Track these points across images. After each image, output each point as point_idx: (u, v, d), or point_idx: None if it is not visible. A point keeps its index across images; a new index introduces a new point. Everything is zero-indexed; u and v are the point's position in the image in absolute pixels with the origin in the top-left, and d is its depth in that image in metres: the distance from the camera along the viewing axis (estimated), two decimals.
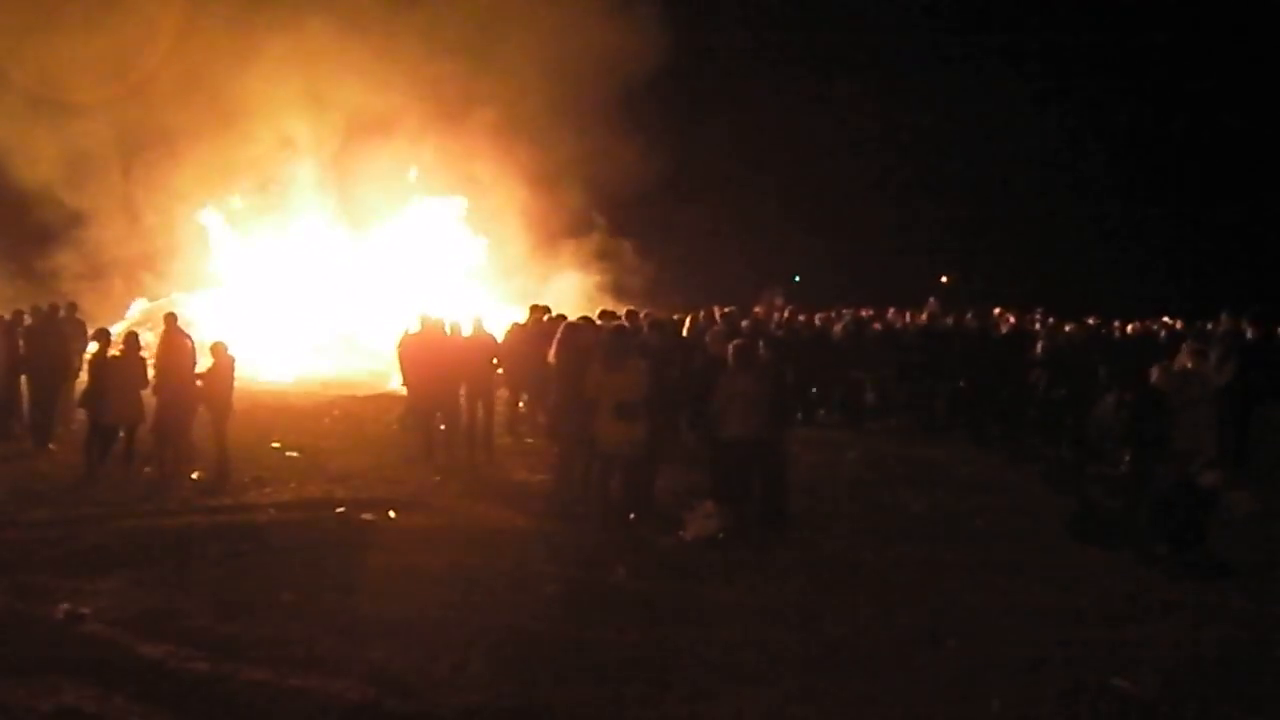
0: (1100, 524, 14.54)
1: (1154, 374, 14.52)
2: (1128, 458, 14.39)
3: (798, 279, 57.15)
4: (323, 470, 17.74)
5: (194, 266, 39.33)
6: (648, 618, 10.58)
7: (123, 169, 37.62)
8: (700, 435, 14.85)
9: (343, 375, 31.15)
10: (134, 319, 34.66)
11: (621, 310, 21.66)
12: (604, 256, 39.23)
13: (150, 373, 17.45)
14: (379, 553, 12.70)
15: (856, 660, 9.57)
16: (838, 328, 24.94)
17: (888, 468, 18.38)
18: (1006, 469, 18.85)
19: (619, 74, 37.13)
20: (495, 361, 19.68)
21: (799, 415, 20.13)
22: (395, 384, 22.81)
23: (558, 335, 15.84)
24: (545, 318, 20.59)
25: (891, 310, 29.72)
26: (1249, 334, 19.66)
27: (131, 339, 17.86)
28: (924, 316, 26.13)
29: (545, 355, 16.05)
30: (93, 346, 18.80)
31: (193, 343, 18.09)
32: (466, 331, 19.47)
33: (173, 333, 18.04)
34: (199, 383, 17.18)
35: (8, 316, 21.40)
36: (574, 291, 36.09)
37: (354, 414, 23.89)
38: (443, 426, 18.91)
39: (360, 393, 27.09)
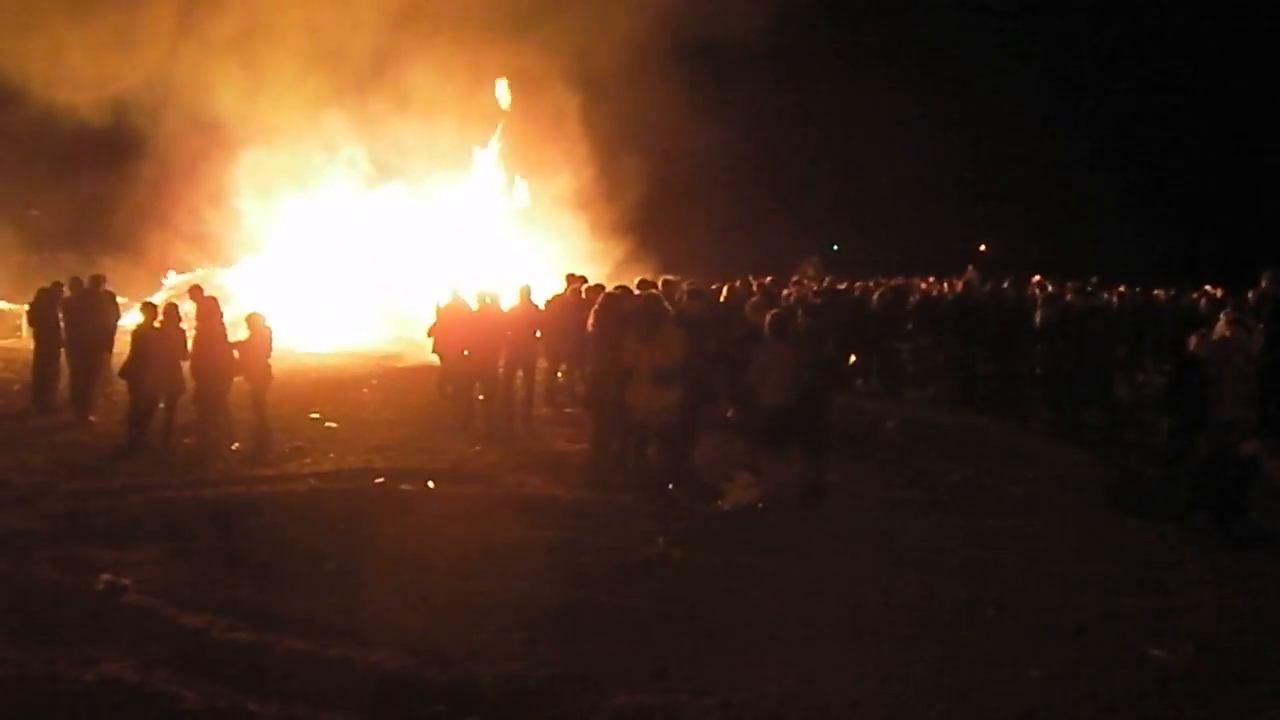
0: (1140, 494, 14.51)
1: (1192, 342, 14.40)
2: (1166, 427, 14.32)
3: (836, 248, 57.02)
4: (362, 441, 17.77)
5: (231, 238, 39.43)
6: (687, 587, 10.58)
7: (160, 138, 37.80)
8: (738, 405, 14.82)
9: (382, 345, 31.15)
10: (172, 290, 34.74)
11: (659, 280, 21.61)
12: (645, 225, 39.24)
13: (189, 344, 17.47)
14: (418, 523, 12.73)
15: (895, 630, 9.55)
16: (875, 296, 24.88)
17: (926, 437, 18.32)
18: (1045, 438, 18.77)
19: (664, 44, 37.15)
20: (537, 332, 19.68)
21: (837, 384, 20.03)
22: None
23: (596, 305, 15.81)
24: (584, 287, 20.55)
25: (930, 279, 29.67)
26: None
27: (171, 310, 17.89)
28: (960, 285, 26.04)
29: (583, 325, 16.04)
30: (135, 318, 18.88)
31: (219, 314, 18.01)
32: (510, 301, 19.41)
33: (206, 304, 17.99)
34: (235, 353, 17.18)
35: (48, 287, 21.49)
36: (614, 260, 36.14)
37: (393, 384, 23.90)
38: (481, 396, 18.93)
39: (399, 363, 27.11)
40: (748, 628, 9.54)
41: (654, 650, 8.97)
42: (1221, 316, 16.17)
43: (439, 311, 20.50)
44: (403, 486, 14.51)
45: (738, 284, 22.65)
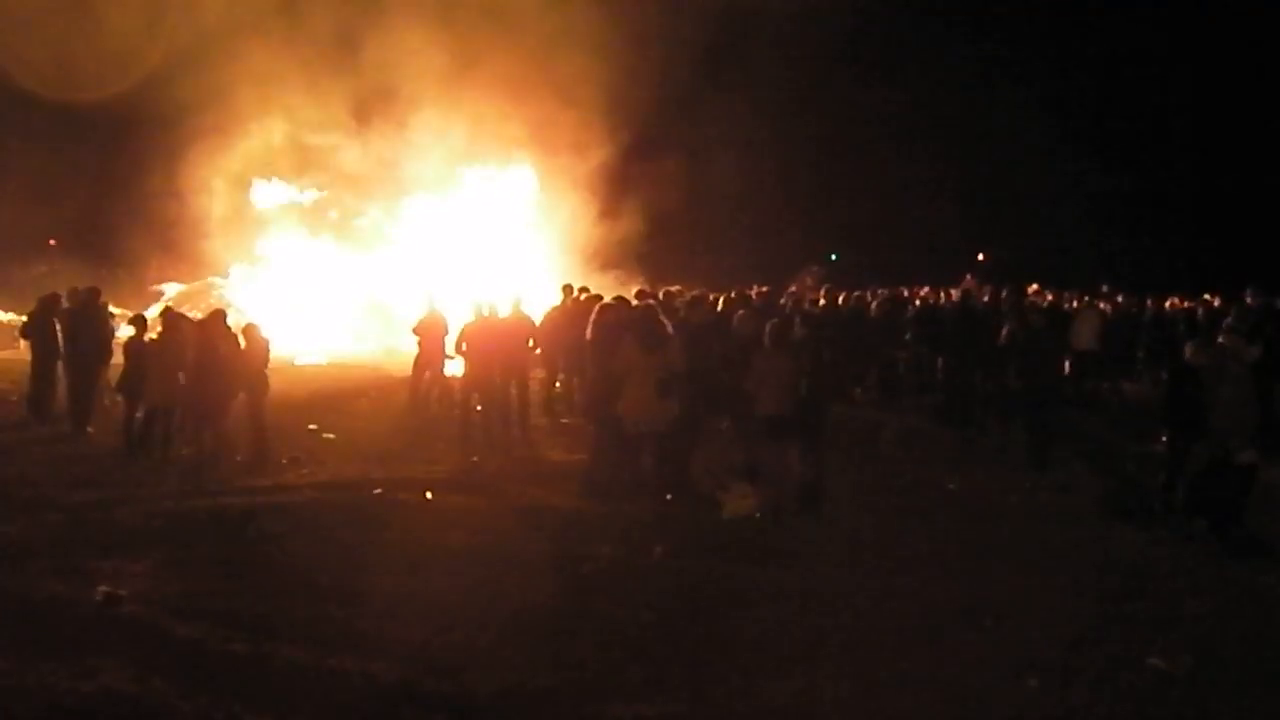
0: (1137, 502, 14.52)
1: (1187, 351, 14.40)
2: (1165, 436, 14.32)
3: (835, 257, 57.03)
4: (359, 451, 17.78)
5: (228, 249, 39.43)
6: (685, 597, 10.58)
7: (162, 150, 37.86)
8: (736, 414, 14.83)
9: (379, 356, 31.19)
10: (169, 301, 34.72)
11: (659, 290, 21.65)
12: (642, 235, 39.23)
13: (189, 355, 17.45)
14: (416, 533, 12.75)
15: (893, 639, 9.55)
16: (873, 305, 24.89)
17: (924, 446, 18.33)
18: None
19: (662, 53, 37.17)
20: (531, 343, 19.76)
21: (835, 394, 20.01)
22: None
23: (593, 315, 15.83)
24: (583, 297, 20.60)
25: (927, 288, 29.71)
26: None
27: (169, 321, 17.91)
28: (956, 294, 26.08)
29: (581, 335, 16.05)
30: (128, 330, 18.90)
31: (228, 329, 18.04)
32: (504, 312, 19.48)
33: (218, 321, 17.95)
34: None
35: (46, 298, 21.51)
36: (613, 269, 36.15)
37: (390, 395, 23.89)
38: (479, 407, 18.95)
39: (397, 374, 27.12)
40: (746, 637, 9.55)
41: (652, 660, 8.97)
42: (1223, 325, 16.19)
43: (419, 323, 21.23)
44: (400, 497, 14.52)
45: (733, 294, 22.67)
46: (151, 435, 17.10)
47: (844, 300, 25.70)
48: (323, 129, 38.56)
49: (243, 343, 17.36)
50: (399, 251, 37.62)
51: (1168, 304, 28.17)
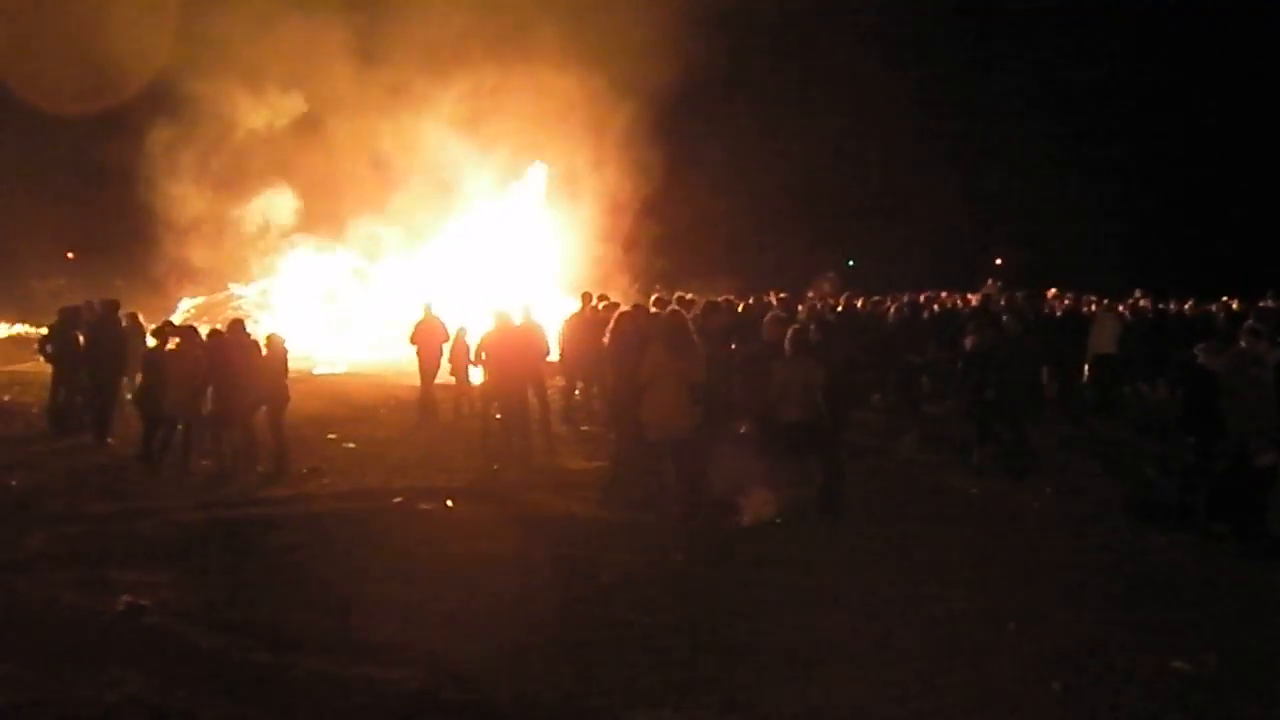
0: (1158, 506, 14.48)
1: (1200, 355, 14.33)
2: (1189, 440, 14.24)
3: (852, 263, 57.00)
4: (380, 461, 17.81)
5: (247, 260, 39.55)
6: (705, 604, 10.57)
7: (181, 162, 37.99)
8: (755, 420, 14.80)
9: (398, 365, 31.23)
10: (186, 313, 34.85)
11: (674, 296, 21.66)
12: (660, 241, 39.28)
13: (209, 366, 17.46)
14: (437, 542, 12.77)
15: (915, 645, 9.53)
16: (891, 311, 24.84)
17: (944, 451, 18.29)
18: (1064, 451, 18.72)
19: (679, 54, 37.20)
20: (549, 350, 19.81)
21: (854, 400, 19.92)
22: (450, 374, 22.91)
23: (612, 322, 15.83)
24: (602, 305, 20.62)
25: (945, 293, 29.64)
26: None
27: (188, 333, 17.95)
28: (974, 299, 26.05)
29: (599, 342, 16.05)
30: (150, 341, 18.94)
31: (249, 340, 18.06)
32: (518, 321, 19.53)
33: (238, 331, 17.95)
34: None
35: (67, 310, 21.61)
36: (631, 276, 36.17)
37: (410, 404, 23.88)
38: (498, 415, 18.96)
39: (416, 383, 27.12)
40: (767, 644, 9.52)
41: (673, 667, 8.96)
42: (1243, 328, 16.10)
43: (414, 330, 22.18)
44: (421, 506, 14.53)
45: (752, 300, 22.68)
46: (168, 446, 17.08)
47: (863, 306, 25.69)
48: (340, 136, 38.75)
49: (264, 351, 17.38)
50: (414, 259, 37.69)
51: (1186, 307, 28.10)
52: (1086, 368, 23.83)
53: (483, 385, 19.68)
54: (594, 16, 37.67)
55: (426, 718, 8.04)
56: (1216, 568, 12.05)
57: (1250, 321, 16.85)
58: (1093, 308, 25.82)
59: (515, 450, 18.36)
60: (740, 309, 21.32)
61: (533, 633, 9.70)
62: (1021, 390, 16.73)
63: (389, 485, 15.88)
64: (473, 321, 21.45)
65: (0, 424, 22.03)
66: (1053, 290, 28.39)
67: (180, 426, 17.16)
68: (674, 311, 15.16)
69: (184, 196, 37.72)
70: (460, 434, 20.13)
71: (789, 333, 14.19)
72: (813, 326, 16.20)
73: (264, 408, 17.18)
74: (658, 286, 29.12)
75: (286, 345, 17.63)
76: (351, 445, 19.25)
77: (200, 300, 38.27)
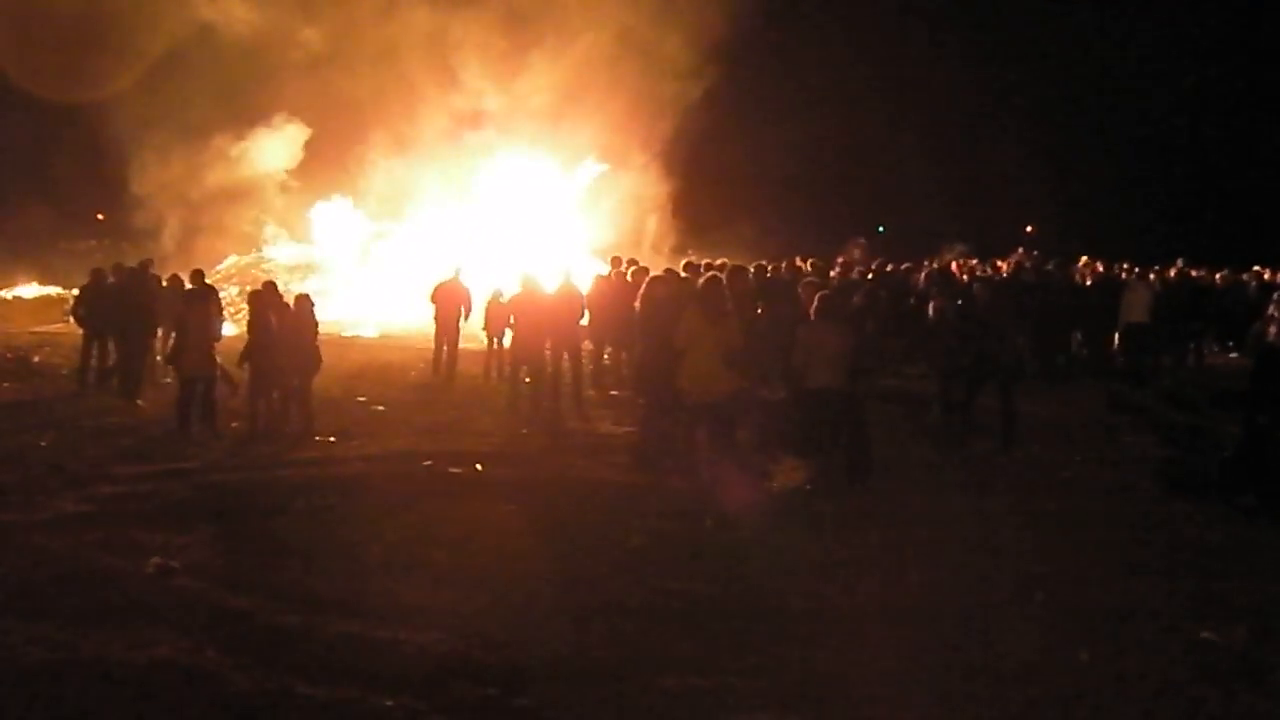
0: (1190, 476, 14.40)
1: (1271, 332, 14.12)
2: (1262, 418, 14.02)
3: (882, 230, 56.77)
4: (409, 424, 17.85)
5: (281, 222, 39.60)
6: (735, 570, 10.55)
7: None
8: (786, 386, 14.76)
9: (428, 328, 31.24)
10: (216, 274, 34.88)
11: (702, 263, 21.65)
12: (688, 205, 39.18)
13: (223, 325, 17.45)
14: (466, 505, 12.78)
15: (943, 612, 9.50)
16: (922, 277, 24.76)
17: (974, 419, 18.21)
18: (1094, 420, 18.65)
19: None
20: (582, 315, 19.83)
21: (883, 366, 19.82)
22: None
23: (642, 288, 15.80)
24: (631, 270, 20.59)
25: (975, 260, 29.56)
26: None
27: (201, 294, 18.03)
28: (1010, 266, 25.99)
29: (629, 308, 16.03)
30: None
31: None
32: (553, 286, 19.55)
33: (270, 293, 17.91)
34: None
35: (98, 271, 21.69)
36: (657, 241, 36.12)
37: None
38: (528, 379, 18.97)
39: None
40: (796, 610, 9.50)
41: (703, 633, 8.94)
42: (1275, 297, 15.95)
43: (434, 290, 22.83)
44: (450, 469, 14.55)
45: (783, 265, 22.62)
46: (191, 406, 17.03)
47: (893, 272, 25.63)
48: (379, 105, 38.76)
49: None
50: (448, 220, 37.64)
51: (1218, 277, 27.98)
52: (1117, 336, 23.74)
53: (511, 349, 19.71)
54: None
55: (456, 680, 8.02)
56: (1248, 540, 11.97)
57: None
58: (1124, 275, 25.74)
59: (544, 414, 18.38)
60: (769, 273, 21.27)
61: (562, 596, 9.70)
62: (998, 358, 16.39)
63: (418, 449, 15.89)
64: (507, 284, 21.40)
65: (30, 385, 22.14)
66: (1084, 259, 28.29)
67: (200, 388, 17.12)
68: (712, 277, 15.10)
69: (206, 156, 37.91)
70: (490, 397, 20.15)
71: (817, 299, 14.13)
72: (846, 293, 16.10)
73: (296, 371, 17.15)
74: (690, 252, 29.11)
75: (314, 306, 17.56)
76: (381, 408, 19.29)
77: (231, 260, 38.29)
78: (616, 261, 22.25)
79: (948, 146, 59.90)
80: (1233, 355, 26.32)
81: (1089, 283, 25.19)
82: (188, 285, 20.21)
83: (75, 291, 24.67)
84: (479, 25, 38.18)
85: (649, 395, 15.14)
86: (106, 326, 20.69)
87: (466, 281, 23.16)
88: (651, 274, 17.58)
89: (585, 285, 21.08)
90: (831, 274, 22.28)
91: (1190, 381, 23.01)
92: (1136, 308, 23.42)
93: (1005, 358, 15.93)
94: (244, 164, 38.48)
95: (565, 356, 19.49)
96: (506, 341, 21.11)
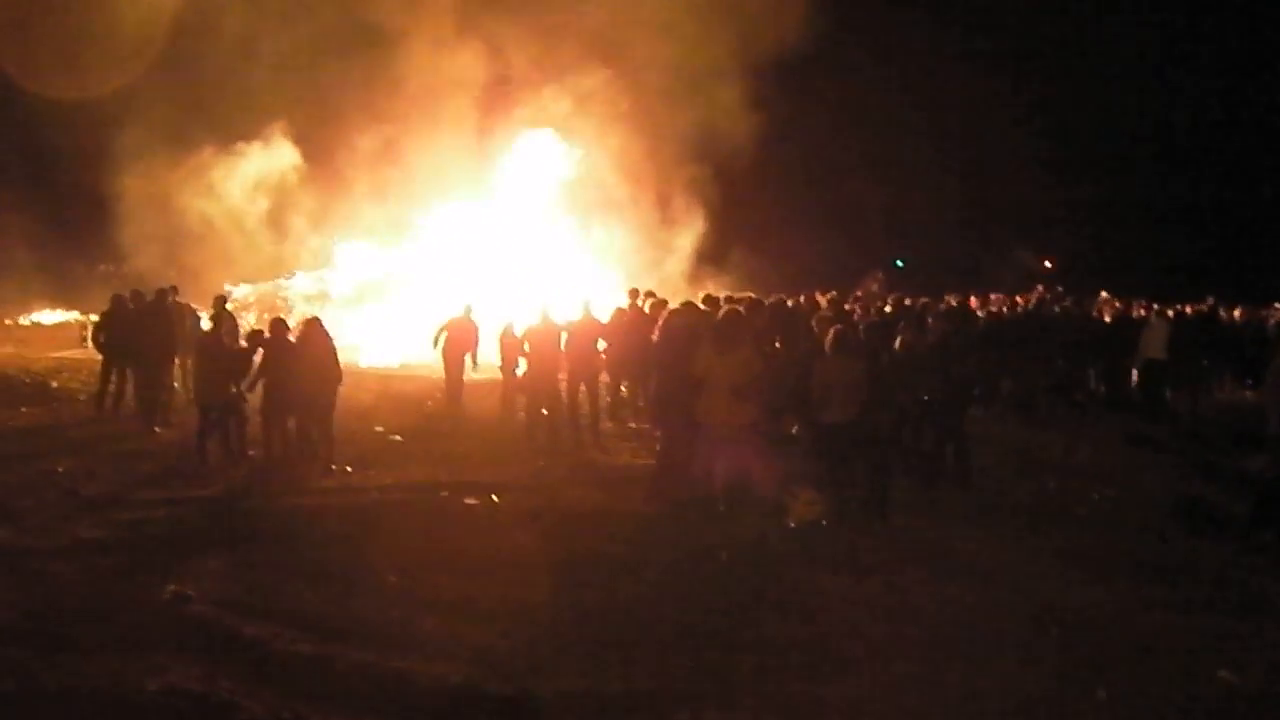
0: (1207, 512, 14.35)
1: None
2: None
3: (900, 264, 56.81)
4: (426, 454, 17.85)
5: (295, 251, 39.66)
6: (750, 604, 10.54)
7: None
8: (803, 421, 14.76)
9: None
10: (234, 302, 34.93)
11: (721, 295, 21.63)
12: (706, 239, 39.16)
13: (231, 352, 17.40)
14: (482, 536, 12.79)
15: (960, 648, 9.47)
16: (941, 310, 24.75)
17: (992, 454, 18.17)
18: (1112, 455, 18.62)
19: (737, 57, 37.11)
20: (600, 346, 19.85)
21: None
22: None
23: (660, 320, 15.80)
24: (649, 303, 20.60)
25: (994, 295, 29.54)
26: None
27: (218, 321, 18.05)
28: (1022, 303, 26.01)
29: (647, 340, 16.04)
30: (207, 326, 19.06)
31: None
32: (574, 316, 19.59)
33: (278, 328, 17.89)
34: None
35: (119, 297, 21.75)
36: (676, 274, 36.10)
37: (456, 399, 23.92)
38: (545, 411, 18.98)
39: (467, 379, 27.19)
40: (812, 646, 9.48)
41: (718, 668, 8.93)
42: None
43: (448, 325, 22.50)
44: (467, 500, 14.56)
45: (801, 299, 22.63)
46: (208, 435, 17.02)
47: (909, 306, 25.60)
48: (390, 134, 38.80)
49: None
50: (459, 253, 37.65)
51: (1236, 313, 27.91)
52: (1135, 372, 23.74)
53: (526, 380, 19.72)
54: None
55: (469, 711, 8.04)
56: (1264, 576, 11.93)
57: None
58: (1142, 312, 25.73)
59: (561, 446, 18.38)
60: (789, 306, 21.27)
61: (576, 628, 9.69)
62: (955, 394, 16.28)
63: (435, 479, 15.91)
64: (519, 317, 21.38)
65: (48, 410, 22.21)
66: (1104, 294, 28.31)
67: (212, 416, 17.12)
68: (731, 310, 15.11)
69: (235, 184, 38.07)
70: (506, 429, 20.16)
71: (832, 333, 14.12)
72: (862, 327, 16.08)
73: (313, 400, 17.12)
74: (708, 285, 29.14)
75: (323, 325, 17.37)
76: (398, 438, 19.31)
77: (248, 289, 38.35)
78: (634, 294, 22.24)
79: (968, 173, 59.96)
80: (1248, 393, 26.26)
81: (1108, 318, 25.20)
82: (207, 312, 20.27)
83: (94, 317, 24.75)
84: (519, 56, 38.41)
85: (665, 427, 15.13)
86: (126, 353, 20.75)
87: (477, 318, 23.05)
88: (670, 306, 17.57)
89: (602, 316, 21.05)
90: (847, 308, 22.25)
91: (1208, 418, 22.94)
92: (1155, 344, 23.40)
93: (941, 395, 15.75)
94: (263, 190, 38.61)
95: (583, 388, 19.49)
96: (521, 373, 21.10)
